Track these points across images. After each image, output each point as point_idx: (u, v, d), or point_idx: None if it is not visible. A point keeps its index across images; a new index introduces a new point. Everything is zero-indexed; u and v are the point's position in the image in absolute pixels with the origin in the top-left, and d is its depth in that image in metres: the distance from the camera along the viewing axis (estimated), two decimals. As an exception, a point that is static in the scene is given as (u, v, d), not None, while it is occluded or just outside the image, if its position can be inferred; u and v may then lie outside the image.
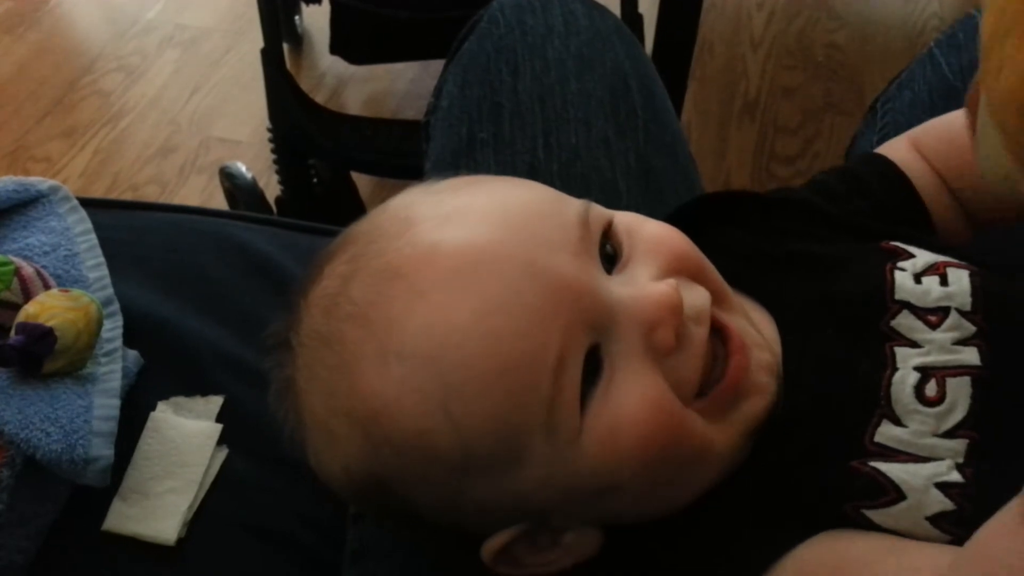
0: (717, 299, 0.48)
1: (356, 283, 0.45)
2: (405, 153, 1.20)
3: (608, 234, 0.47)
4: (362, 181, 1.43)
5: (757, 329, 0.49)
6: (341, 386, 0.45)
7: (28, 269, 0.66)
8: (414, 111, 1.61)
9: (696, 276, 0.48)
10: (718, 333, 0.46)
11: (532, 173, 0.66)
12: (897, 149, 0.63)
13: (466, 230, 0.44)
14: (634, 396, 0.43)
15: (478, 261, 0.43)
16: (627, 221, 0.49)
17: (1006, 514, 0.34)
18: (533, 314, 0.42)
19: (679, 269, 0.47)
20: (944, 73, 0.76)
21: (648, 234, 0.48)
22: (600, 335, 0.44)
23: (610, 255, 0.47)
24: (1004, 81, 0.29)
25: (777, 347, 0.49)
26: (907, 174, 0.60)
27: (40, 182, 0.75)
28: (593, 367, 0.43)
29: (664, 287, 0.44)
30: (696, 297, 0.46)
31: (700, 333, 0.45)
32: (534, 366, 0.42)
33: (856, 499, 0.43)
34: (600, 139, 0.69)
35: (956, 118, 0.62)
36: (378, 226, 0.48)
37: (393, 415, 0.43)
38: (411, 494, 0.46)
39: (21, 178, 0.75)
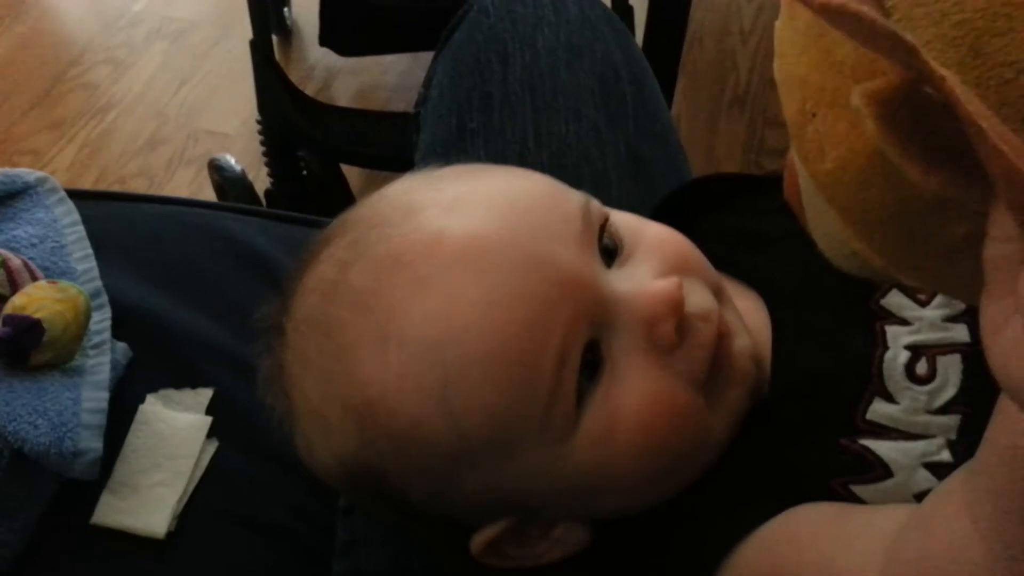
0: (715, 296, 0.47)
1: (356, 269, 0.45)
2: (395, 145, 1.20)
3: (606, 228, 0.47)
4: (352, 173, 1.42)
5: (741, 317, 0.49)
6: (338, 373, 0.45)
7: (15, 261, 0.66)
8: (404, 103, 1.60)
9: (697, 277, 0.47)
10: None
11: (522, 163, 0.66)
12: None
13: (470, 218, 0.44)
14: (638, 391, 0.43)
15: (482, 250, 0.43)
16: (627, 219, 0.48)
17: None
18: (537, 306, 0.42)
19: (681, 268, 0.46)
20: None
21: (651, 233, 0.48)
22: (599, 330, 0.43)
23: (609, 249, 0.46)
24: (830, 162, 0.26)
25: (763, 334, 0.49)
26: None
27: (28, 173, 0.75)
28: (591, 363, 0.43)
29: (667, 283, 0.44)
30: (703, 299, 0.46)
31: (708, 329, 0.45)
32: (536, 359, 0.42)
33: (844, 475, 0.44)
34: (590, 128, 0.69)
35: None
36: (378, 212, 0.47)
37: (390, 403, 0.43)
38: (403, 484, 0.45)
39: (8, 169, 0.74)
